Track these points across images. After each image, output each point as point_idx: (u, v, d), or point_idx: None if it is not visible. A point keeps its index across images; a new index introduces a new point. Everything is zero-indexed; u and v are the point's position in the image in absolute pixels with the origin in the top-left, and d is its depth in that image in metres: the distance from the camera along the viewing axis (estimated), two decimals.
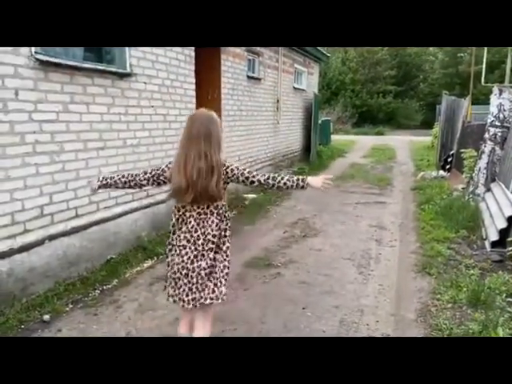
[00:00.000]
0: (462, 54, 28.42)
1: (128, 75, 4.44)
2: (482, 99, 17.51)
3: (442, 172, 9.69)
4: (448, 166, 9.50)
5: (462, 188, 7.33)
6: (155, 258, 4.53)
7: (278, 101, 9.73)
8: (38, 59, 3.35)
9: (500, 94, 6.38)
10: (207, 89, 6.32)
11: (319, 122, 14.40)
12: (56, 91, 3.57)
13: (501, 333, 2.89)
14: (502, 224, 4.61)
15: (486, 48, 11.43)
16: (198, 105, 5.90)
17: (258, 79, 8.49)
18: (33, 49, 3.31)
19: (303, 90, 12.23)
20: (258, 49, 8.32)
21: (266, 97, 9.06)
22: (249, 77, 7.93)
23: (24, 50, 3.25)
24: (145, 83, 4.73)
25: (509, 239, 4.40)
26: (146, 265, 4.36)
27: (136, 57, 4.55)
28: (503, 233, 4.56)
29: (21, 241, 3.31)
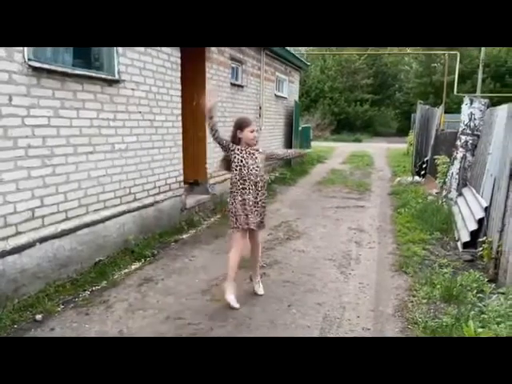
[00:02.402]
0: (435, 65, 29.21)
1: (116, 82, 4.54)
2: (454, 108, 18.18)
3: (417, 177, 10.07)
4: (423, 172, 9.89)
5: (436, 192, 7.67)
6: (143, 260, 4.62)
7: (260, 108, 9.94)
8: (31, 66, 3.43)
9: (471, 104, 6.73)
10: (192, 95, 6.45)
11: (300, 128, 14.69)
12: (48, 97, 3.65)
13: (472, 326, 3.10)
14: (473, 226, 4.90)
15: (458, 59, 11.95)
16: (184, 111, 6.03)
17: (241, 86, 8.68)
18: (26, 56, 3.39)
19: (284, 97, 12.49)
20: (242, 57, 8.52)
21: (249, 104, 9.25)
22: (232, 84, 8.10)
23: (18, 56, 3.33)
24: (132, 89, 4.83)
25: (479, 240, 4.68)
26: (133, 267, 4.45)
27: (124, 64, 4.66)
28: (474, 234, 4.85)
29: (13, 243, 3.37)
